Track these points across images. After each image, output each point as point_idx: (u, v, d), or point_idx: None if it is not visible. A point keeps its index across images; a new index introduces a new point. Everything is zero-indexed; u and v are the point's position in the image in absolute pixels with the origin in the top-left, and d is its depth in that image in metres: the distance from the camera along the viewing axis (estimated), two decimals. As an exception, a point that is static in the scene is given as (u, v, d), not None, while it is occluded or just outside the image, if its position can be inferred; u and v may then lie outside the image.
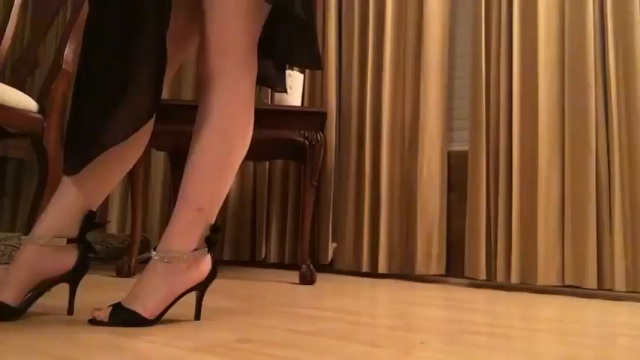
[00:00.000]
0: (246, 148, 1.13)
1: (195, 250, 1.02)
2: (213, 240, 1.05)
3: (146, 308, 0.97)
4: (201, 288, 1.07)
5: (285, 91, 1.29)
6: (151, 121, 1.06)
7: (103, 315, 0.97)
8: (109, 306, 0.98)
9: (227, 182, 1.11)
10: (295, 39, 1.16)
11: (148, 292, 0.99)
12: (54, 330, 0.91)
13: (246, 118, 1.10)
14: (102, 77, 1.04)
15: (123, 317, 0.96)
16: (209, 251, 1.05)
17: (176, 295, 1.01)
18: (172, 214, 1.05)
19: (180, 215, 1.04)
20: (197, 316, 1.08)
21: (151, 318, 0.98)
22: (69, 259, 1.04)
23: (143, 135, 1.07)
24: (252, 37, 1.07)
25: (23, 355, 0.73)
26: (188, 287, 1.02)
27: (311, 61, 1.20)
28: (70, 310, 1.06)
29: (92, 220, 1.06)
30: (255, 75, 1.11)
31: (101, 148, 1.01)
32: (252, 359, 0.76)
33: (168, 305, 1.01)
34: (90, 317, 0.98)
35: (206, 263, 1.05)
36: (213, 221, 1.06)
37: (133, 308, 0.97)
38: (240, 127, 1.10)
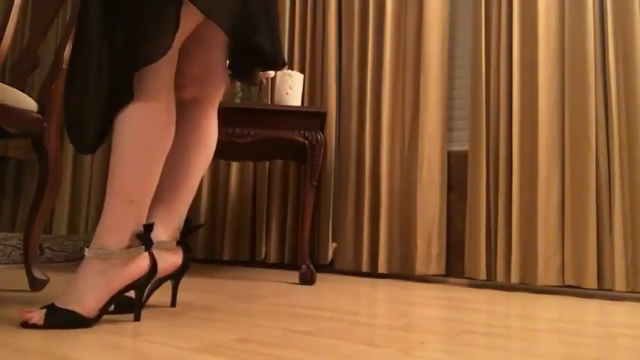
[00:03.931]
0: None
1: (129, 246, 1.00)
2: (146, 237, 1.03)
3: (83, 307, 0.94)
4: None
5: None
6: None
7: (37, 317, 0.93)
8: (42, 307, 0.95)
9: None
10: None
11: (84, 290, 0.96)
12: (54, 330, 0.91)
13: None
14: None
15: (60, 318, 0.93)
16: (146, 249, 1.03)
17: (113, 292, 0.99)
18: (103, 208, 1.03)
19: (112, 208, 1.02)
20: (173, 303, 1.22)
21: (90, 316, 0.95)
22: (178, 258, 1.20)
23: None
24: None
25: (23, 356, 0.73)
26: (126, 283, 1.00)
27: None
28: (173, 304, 1.23)
29: (191, 225, 1.23)
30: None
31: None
32: (252, 359, 0.76)
33: (107, 302, 0.98)
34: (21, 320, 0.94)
35: (144, 259, 1.03)
36: (144, 216, 1.05)
37: (70, 308, 0.94)
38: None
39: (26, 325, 0.93)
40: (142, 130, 1.03)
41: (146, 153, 1.04)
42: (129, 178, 1.02)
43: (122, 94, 1.02)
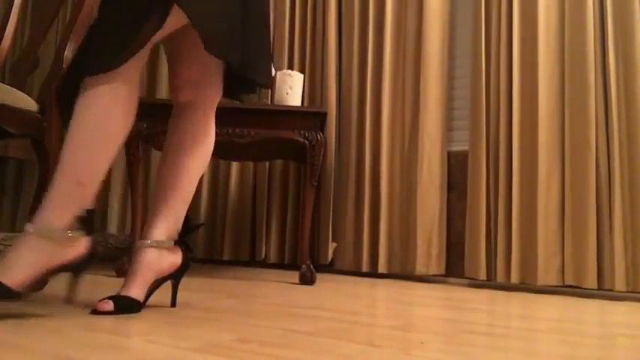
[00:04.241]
0: None
1: (71, 228, 1.00)
2: (88, 221, 1.02)
3: (11, 279, 0.93)
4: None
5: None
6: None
7: None
8: None
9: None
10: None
11: (15, 263, 0.96)
12: (54, 330, 0.91)
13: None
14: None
15: None
16: (88, 234, 1.03)
17: (45, 269, 0.98)
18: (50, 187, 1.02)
19: (58, 187, 1.01)
20: (173, 303, 1.22)
21: (17, 289, 0.94)
22: (177, 258, 1.20)
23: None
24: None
25: (23, 355, 0.73)
26: (59, 264, 0.99)
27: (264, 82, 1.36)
28: (173, 304, 1.22)
29: (191, 224, 1.24)
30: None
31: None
32: (252, 359, 0.76)
33: (37, 278, 0.96)
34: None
35: (83, 242, 1.03)
36: (91, 200, 1.04)
37: (1, 280, 0.93)
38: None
39: None
40: (96, 109, 1.03)
41: (100, 136, 1.04)
42: (77, 158, 1.02)
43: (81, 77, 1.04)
